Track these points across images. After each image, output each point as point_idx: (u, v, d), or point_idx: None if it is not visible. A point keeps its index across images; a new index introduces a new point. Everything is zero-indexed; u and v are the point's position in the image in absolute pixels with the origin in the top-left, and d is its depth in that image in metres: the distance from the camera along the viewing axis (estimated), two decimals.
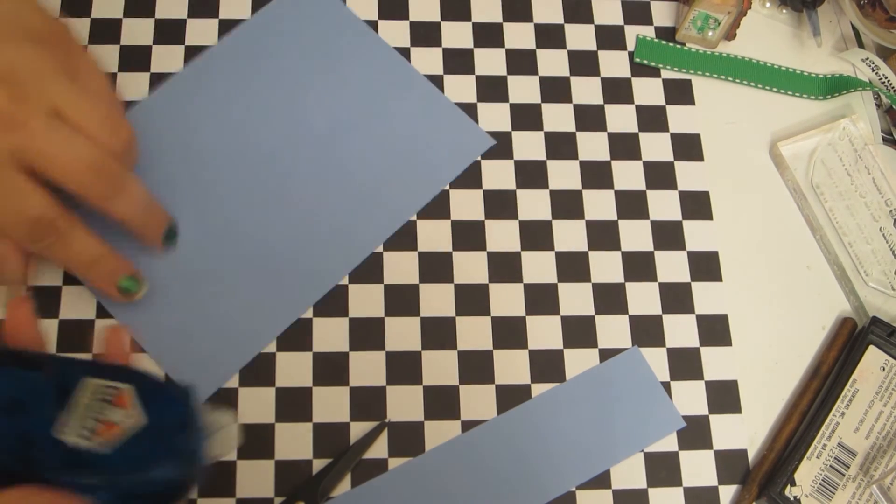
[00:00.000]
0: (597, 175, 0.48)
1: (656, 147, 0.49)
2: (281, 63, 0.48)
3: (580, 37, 0.51)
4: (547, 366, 0.44)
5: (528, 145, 0.48)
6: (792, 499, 0.42)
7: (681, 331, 0.46)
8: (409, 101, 0.48)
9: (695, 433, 0.44)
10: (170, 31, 0.48)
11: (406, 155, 0.47)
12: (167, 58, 0.48)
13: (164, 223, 0.42)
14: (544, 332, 0.45)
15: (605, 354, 0.45)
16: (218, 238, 0.44)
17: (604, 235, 0.47)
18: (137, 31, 0.48)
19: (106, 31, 0.48)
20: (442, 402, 0.43)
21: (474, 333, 0.44)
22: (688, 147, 0.49)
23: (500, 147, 0.48)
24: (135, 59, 0.48)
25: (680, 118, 0.50)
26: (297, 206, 0.45)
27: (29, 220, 0.37)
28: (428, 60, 0.49)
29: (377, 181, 0.46)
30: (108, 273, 0.40)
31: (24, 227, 0.37)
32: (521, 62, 0.50)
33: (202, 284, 0.43)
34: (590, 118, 0.49)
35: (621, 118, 0.50)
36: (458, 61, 0.50)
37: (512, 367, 0.44)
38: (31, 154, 0.36)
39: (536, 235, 0.46)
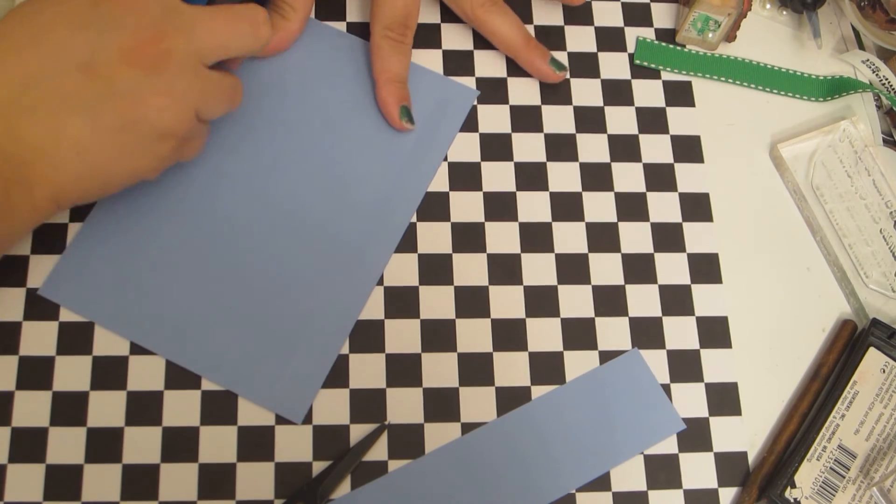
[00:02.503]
0: (597, 177, 0.48)
1: (656, 149, 0.49)
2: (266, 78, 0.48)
3: (580, 38, 0.51)
4: (547, 368, 0.44)
5: (528, 147, 0.48)
6: (792, 501, 0.42)
7: (681, 333, 0.45)
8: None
9: (695, 435, 0.44)
10: None
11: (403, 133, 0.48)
12: None
13: None
14: (544, 334, 0.45)
15: (605, 356, 0.45)
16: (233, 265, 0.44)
17: (604, 237, 0.47)
18: None
19: None
20: (442, 405, 0.43)
21: (474, 335, 0.44)
22: (688, 149, 0.49)
23: (501, 149, 0.48)
24: None
25: (680, 120, 0.50)
26: (306, 218, 0.45)
27: (405, 13, 0.46)
28: (428, 62, 0.49)
29: (382, 163, 0.47)
30: (398, 96, 0.47)
31: (396, 15, 0.46)
32: None
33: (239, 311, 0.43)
34: (590, 120, 0.49)
35: (621, 120, 0.50)
36: (458, 63, 0.50)
37: (512, 369, 0.44)
38: None
39: (536, 237, 0.46)
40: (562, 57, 0.50)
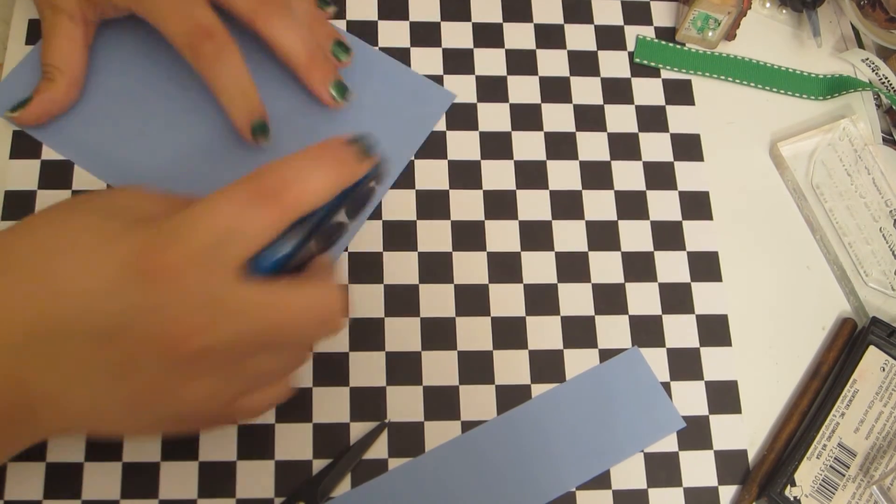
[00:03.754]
0: (597, 175, 0.48)
1: (656, 147, 0.49)
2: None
3: (580, 37, 0.51)
4: (547, 366, 0.44)
5: (528, 145, 0.48)
6: (792, 499, 0.42)
7: (681, 331, 0.46)
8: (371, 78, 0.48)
9: (695, 433, 0.44)
10: None
11: (373, 129, 0.47)
12: None
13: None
14: (544, 333, 0.45)
15: (605, 355, 0.45)
16: None
17: (604, 236, 0.47)
18: None
19: None
20: (442, 403, 0.43)
21: (474, 334, 0.44)
22: (688, 147, 0.49)
23: (500, 147, 0.48)
24: None
25: (680, 118, 0.50)
26: None
27: (195, 24, 0.40)
28: (428, 61, 0.49)
29: None
30: (248, 109, 0.43)
31: (188, 28, 0.40)
32: (521, 62, 0.50)
33: None
34: (590, 118, 0.49)
35: (621, 118, 0.50)
36: (458, 62, 0.50)
37: (512, 367, 0.44)
38: None
39: (536, 236, 0.46)
40: (561, 55, 0.50)
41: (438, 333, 0.44)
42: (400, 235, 0.46)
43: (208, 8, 0.41)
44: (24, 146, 0.45)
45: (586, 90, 0.50)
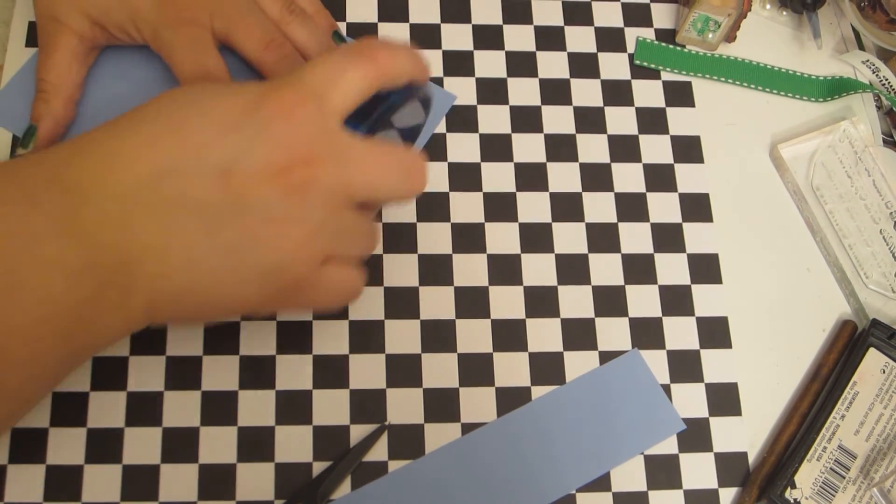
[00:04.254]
0: (597, 177, 0.48)
1: (656, 149, 0.49)
2: None
3: (580, 39, 0.51)
4: (547, 368, 0.44)
5: (528, 147, 0.48)
6: (792, 501, 0.42)
7: (681, 333, 0.46)
8: None
9: (695, 436, 0.44)
10: None
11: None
12: None
13: None
14: (544, 335, 0.45)
15: (605, 357, 0.45)
16: None
17: (604, 238, 0.47)
18: None
19: None
20: (442, 405, 0.43)
21: (474, 336, 0.44)
22: (688, 149, 0.49)
23: (501, 149, 0.48)
24: None
25: (680, 120, 0.50)
26: None
27: (203, 69, 0.42)
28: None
29: None
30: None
31: (196, 72, 0.42)
32: (521, 64, 0.50)
33: None
34: (590, 120, 0.49)
35: (621, 120, 0.50)
36: (458, 63, 0.50)
37: (512, 369, 0.44)
38: None
39: (536, 238, 0.46)
40: (561, 57, 0.50)
41: (438, 335, 0.44)
42: (400, 237, 0.46)
43: (218, 56, 0.43)
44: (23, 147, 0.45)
45: (586, 92, 0.50)
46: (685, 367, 0.45)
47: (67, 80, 0.44)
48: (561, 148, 0.49)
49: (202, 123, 0.32)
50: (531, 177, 0.48)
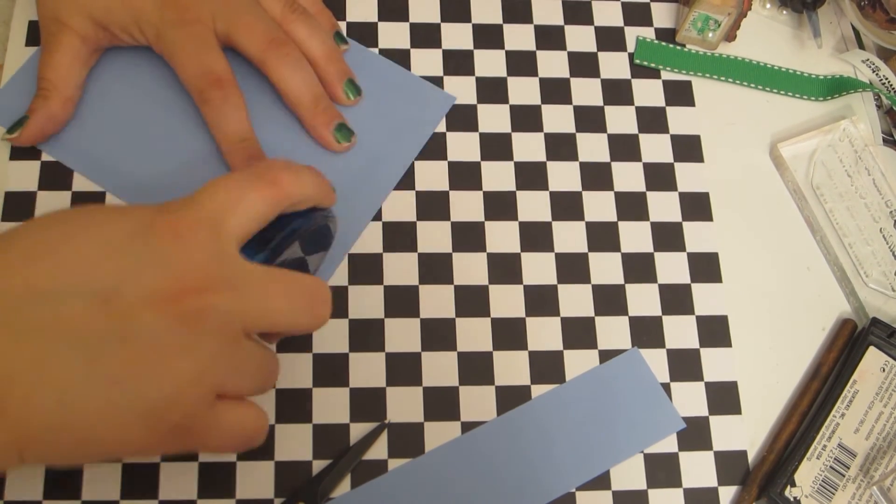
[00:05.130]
0: (597, 176, 0.48)
1: (656, 148, 0.49)
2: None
3: (580, 38, 0.51)
4: (547, 367, 0.44)
5: (528, 146, 0.48)
6: (792, 499, 0.42)
7: (681, 332, 0.46)
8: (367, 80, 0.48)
9: (695, 434, 0.44)
10: None
11: (374, 132, 0.47)
12: None
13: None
14: (544, 334, 0.45)
15: (605, 355, 0.45)
16: None
17: (604, 237, 0.47)
18: None
19: None
20: (442, 403, 0.43)
21: (474, 334, 0.44)
22: (688, 148, 0.49)
23: (500, 148, 0.48)
24: None
25: (680, 119, 0.50)
26: None
27: (207, 70, 0.42)
28: (428, 62, 0.50)
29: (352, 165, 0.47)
30: (245, 155, 0.43)
31: (200, 73, 0.42)
32: (521, 63, 0.50)
33: None
34: (590, 119, 0.49)
35: (621, 119, 0.50)
36: (458, 63, 0.50)
37: (512, 368, 0.44)
38: (230, 24, 0.43)
39: (536, 237, 0.47)
40: (562, 56, 0.50)
41: (438, 334, 0.44)
42: (400, 236, 0.46)
43: (221, 56, 0.43)
44: (23, 148, 0.45)
45: (586, 91, 0.50)
46: (685, 365, 0.45)
47: (68, 80, 0.44)
48: (561, 147, 0.49)
49: (86, 243, 0.30)
50: (531, 176, 0.48)
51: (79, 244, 0.30)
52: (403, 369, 0.43)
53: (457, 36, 0.50)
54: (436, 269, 0.45)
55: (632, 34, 0.52)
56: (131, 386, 0.29)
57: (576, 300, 0.46)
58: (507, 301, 0.45)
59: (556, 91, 0.50)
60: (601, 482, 0.42)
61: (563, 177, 0.48)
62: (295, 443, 0.42)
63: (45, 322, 0.28)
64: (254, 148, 0.44)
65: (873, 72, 0.51)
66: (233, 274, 0.31)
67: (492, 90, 0.49)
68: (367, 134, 0.47)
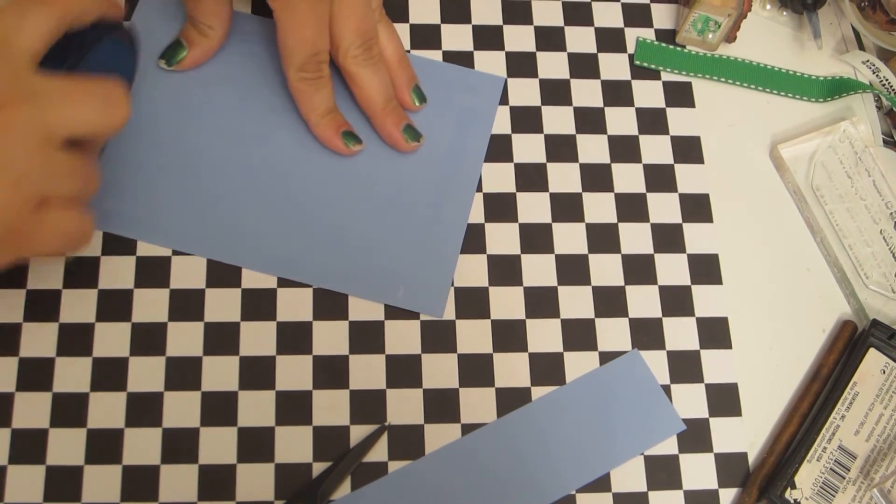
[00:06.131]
0: (597, 178, 0.48)
1: (656, 150, 0.49)
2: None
3: (580, 39, 0.51)
4: (547, 369, 0.44)
5: (528, 148, 0.48)
6: (792, 502, 0.42)
7: (681, 334, 0.45)
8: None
9: (695, 436, 0.44)
10: None
11: (442, 131, 0.48)
12: None
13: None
14: (544, 335, 0.45)
15: (605, 357, 0.45)
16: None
17: (604, 238, 0.47)
18: None
19: None
20: (442, 406, 0.43)
21: (474, 336, 0.44)
22: (688, 149, 0.49)
23: (501, 150, 0.48)
24: None
25: (680, 121, 0.50)
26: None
27: (313, 51, 0.43)
28: None
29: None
30: (335, 125, 0.46)
31: (306, 53, 0.43)
32: (521, 65, 0.50)
33: None
34: (590, 121, 0.49)
35: (621, 121, 0.50)
36: (459, 64, 0.50)
37: (512, 370, 0.44)
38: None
39: (536, 238, 0.46)
40: (561, 58, 0.50)
41: (438, 336, 0.44)
42: None
43: (327, 35, 0.44)
44: None
45: (586, 92, 0.50)
46: (685, 367, 0.45)
47: (221, 20, 0.46)
48: (561, 148, 0.49)
49: None
50: (531, 177, 0.48)
51: None
52: (403, 371, 0.43)
53: (457, 37, 0.50)
54: None
55: (632, 35, 0.52)
56: None
57: (576, 302, 0.46)
58: (507, 302, 0.45)
59: (556, 92, 0.50)
60: (601, 484, 0.42)
61: (563, 178, 0.48)
62: (295, 445, 0.42)
63: None
64: (340, 119, 0.46)
65: (873, 73, 0.51)
66: (27, 88, 0.33)
67: None
68: (436, 135, 0.48)
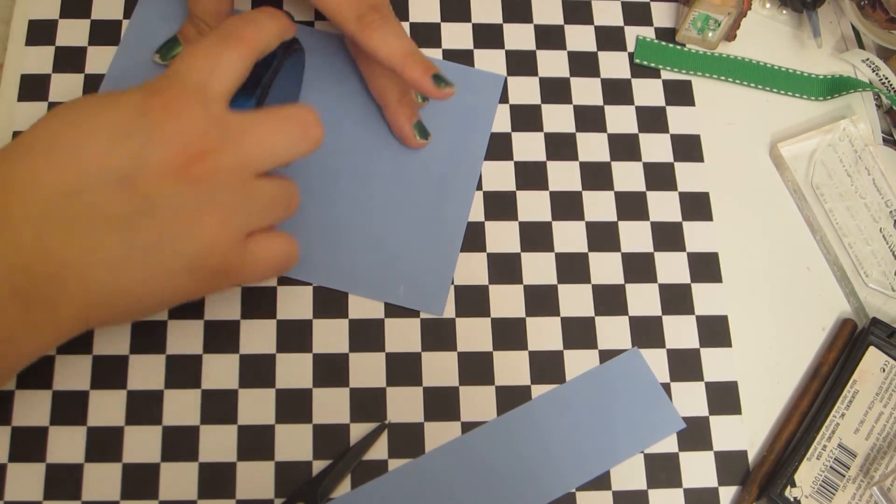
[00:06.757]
0: (597, 176, 0.48)
1: (656, 148, 0.49)
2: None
3: (580, 38, 0.51)
4: (547, 367, 0.44)
5: (528, 146, 0.48)
6: (792, 500, 0.42)
7: (681, 332, 0.46)
8: None
9: (695, 434, 0.44)
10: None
11: (443, 130, 0.48)
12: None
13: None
14: (544, 334, 0.45)
15: (605, 356, 0.45)
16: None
17: (604, 236, 0.47)
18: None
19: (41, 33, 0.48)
20: (442, 404, 0.43)
21: (474, 334, 0.44)
22: (688, 148, 0.49)
23: (500, 148, 0.48)
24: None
25: (680, 119, 0.50)
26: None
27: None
28: None
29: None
30: (422, 64, 0.42)
31: (358, 1, 0.42)
32: (521, 63, 0.50)
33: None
34: (590, 119, 0.49)
35: (621, 119, 0.50)
36: (459, 62, 0.50)
37: (512, 368, 0.44)
38: None
39: (536, 237, 0.46)
40: (561, 56, 0.50)
41: (438, 334, 0.44)
42: None
43: None
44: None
45: (586, 91, 0.50)
46: (685, 365, 0.45)
47: (219, 19, 0.46)
48: (561, 147, 0.49)
49: (94, 137, 0.33)
50: (531, 175, 0.48)
51: (90, 139, 0.33)
52: (403, 369, 0.43)
53: (457, 35, 0.50)
54: None
55: (632, 34, 0.52)
56: (168, 248, 0.34)
57: (576, 300, 0.46)
58: (506, 301, 0.45)
59: (555, 91, 0.50)
60: (601, 482, 0.42)
61: (563, 176, 0.48)
62: (295, 443, 0.42)
63: (80, 214, 0.32)
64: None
65: (873, 71, 0.51)
66: (227, 130, 0.34)
67: None
68: (436, 133, 0.48)
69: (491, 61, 0.50)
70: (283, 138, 0.36)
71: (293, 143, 0.36)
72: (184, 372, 0.42)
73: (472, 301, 0.45)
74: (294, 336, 0.43)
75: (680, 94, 0.51)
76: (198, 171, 0.33)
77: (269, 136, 0.36)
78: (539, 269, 0.46)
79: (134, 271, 0.34)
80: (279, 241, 0.38)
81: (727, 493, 0.43)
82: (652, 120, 0.50)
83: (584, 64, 0.51)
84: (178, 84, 0.35)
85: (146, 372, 0.42)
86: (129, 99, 0.34)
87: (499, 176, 0.48)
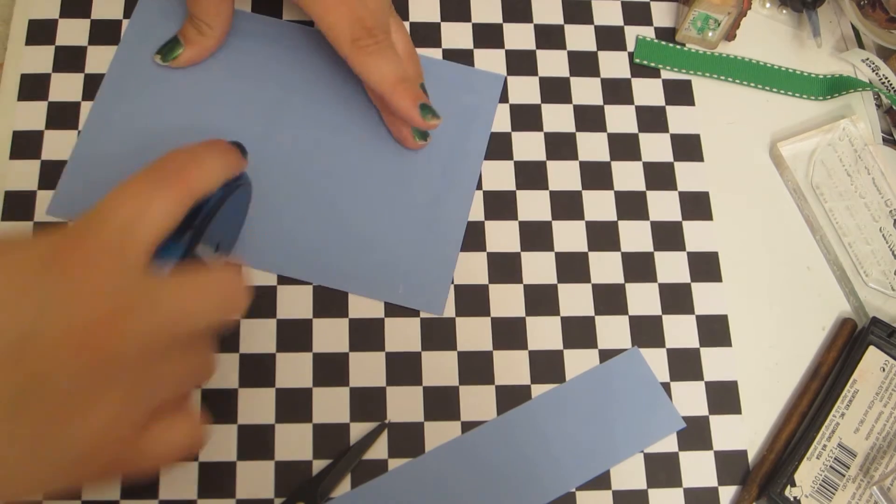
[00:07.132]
0: (597, 175, 0.48)
1: (656, 147, 0.49)
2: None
3: (580, 37, 0.51)
4: (547, 366, 0.44)
5: (528, 146, 0.48)
6: (792, 499, 0.42)
7: (681, 331, 0.46)
8: None
9: (695, 434, 0.44)
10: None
11: (442, 130, 0.48)
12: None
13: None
14: (544, 333, 0.45)
15: (605, 355, 0.45)
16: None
17: (603, 236, 0.47)
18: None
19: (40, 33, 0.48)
20: (442, 403, 0.43)
21: (474, 334, 0.44)
22: (688, 147, 0.49)
23: (500, 148, 0.48)
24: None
25: (680, 119, 0.50)
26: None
27: (355, 16, 0.41)
28: None
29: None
30: (412, 92, 0.43)
31: (350, 20, 0.41)
32: (521, 63, 0.50)
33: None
34: (589, 119, 0.49)
35: (621, 119, 0.50)
36: (459, 62, 0.50)
37: (512, 367, 0.44)
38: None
39: (536, 236, 0.46)
40: (561, 56, 0.50)
41: (438, 334, 0.44)
42: None
43: (364, 6, 0.42)
44: (23, 146, 0.45)
45: (586, 90, 0.50)
46: (685, 365, 0.45)
47: (220, 19, 0.46)
48: (561, 146, 0.49)
49: None
50: (531, 175, 0.48)
51: None
52: (403, 369, 0.43)
53: (456, 35, 0.50)
54: None
55: (631, 33, 0.52)
56: (56, 441, 0.28)
57: (576, 299, 0.46)
58: (506, 300, 0.45)
59: (555, 90, 0.50)
60: (601, 482, 0.42)
61: (563, 176, 0.48)
62: (295, 443, 0.42)
63: None
64: (414, 87, 0.43)
65: (873, 71, 0.51)
66: (143, 293, 0.30)
67: None
68: (436, 133, 0.48)
69: (491, 61, 0.50)
70: (202, 305, 0.31)
71: (213, 310, 0.32)
72: None
73: (472, 300, 0.45)
74: (294, 335, 0.43)
75: (680, 93, 0.51)
76: (100, 342, 0.28)
77: (187, 302, 0.31)
78: (539, 268, 0.46)
79: (15, 464, 0.28)
80: (180, 431, 0.33)
81: (727, 493, 0.43)
82: (652, 120, 0.50)
83: (583, 64, 0.51)
84: (96, 231, 0.30)
85: None
86: (40, 242, 0.29)
87: (499, 175, 0.48)
